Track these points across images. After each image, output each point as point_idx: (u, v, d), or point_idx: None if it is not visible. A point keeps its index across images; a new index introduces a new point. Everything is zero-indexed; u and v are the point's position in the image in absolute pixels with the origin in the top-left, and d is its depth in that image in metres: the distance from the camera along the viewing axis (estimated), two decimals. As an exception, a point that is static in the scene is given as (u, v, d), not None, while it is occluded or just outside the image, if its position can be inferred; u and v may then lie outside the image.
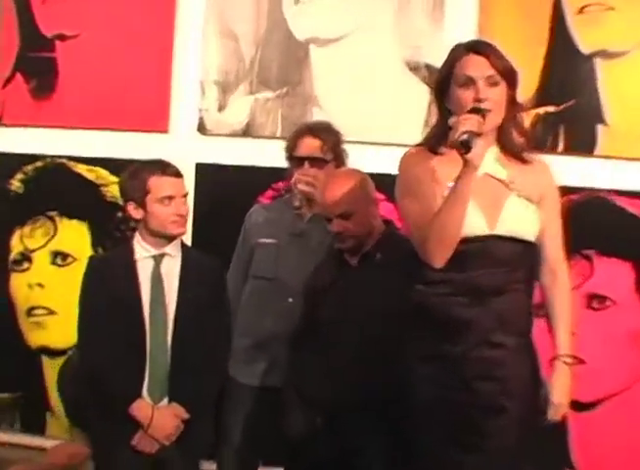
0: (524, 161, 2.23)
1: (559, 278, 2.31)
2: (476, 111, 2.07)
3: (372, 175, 2.87)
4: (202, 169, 3.57)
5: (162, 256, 2.56)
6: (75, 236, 3.85)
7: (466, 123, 2.02)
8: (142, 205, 2.52)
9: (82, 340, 2.57)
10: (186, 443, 2.48)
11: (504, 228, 2.15)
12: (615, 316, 3.22)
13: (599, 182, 3.02)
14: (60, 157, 3.83)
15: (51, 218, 3.86)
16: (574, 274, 3.01)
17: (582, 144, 3.22)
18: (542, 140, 3.33)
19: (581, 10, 3.33)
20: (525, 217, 2.19)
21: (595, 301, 3.22)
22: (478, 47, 2.18)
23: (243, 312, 2.83)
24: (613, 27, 3.33)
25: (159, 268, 2.55)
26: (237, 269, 2.86)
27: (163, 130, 3.69)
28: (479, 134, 2.02)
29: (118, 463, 2.44)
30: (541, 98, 3.31)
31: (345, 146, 2.97)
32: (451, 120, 2.08)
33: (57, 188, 3.84)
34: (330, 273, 2.58)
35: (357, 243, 2.49)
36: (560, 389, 2.21)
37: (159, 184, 2.51)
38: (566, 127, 3.28)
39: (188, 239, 3.26)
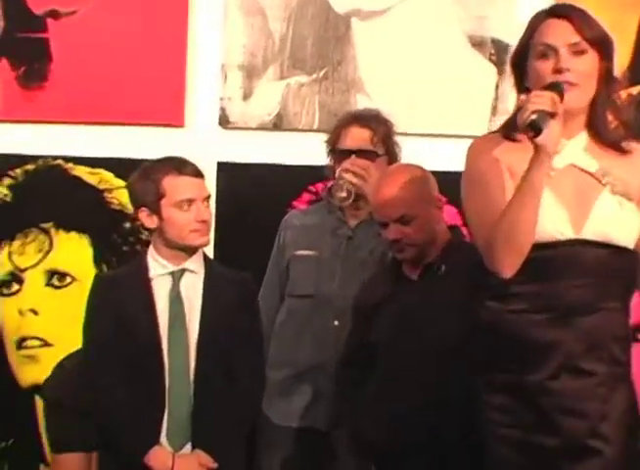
0: (621, 150, 2.18)
1: None
2: (553, 87, 2.04)
3: (430, 173, 2.83)
4: (224, 169, 3.56)
5: (182, 272, 2.58)
6: (75, 252, 3.80)
7: (537, 101, 1.99)
8: (156, 211, 2.54)
9: (88, 375, 2.58)
10: None
11: (594, 231, 2.12)
12: None
13: None
14: (55, 157, 3.77)
15: (45, 231, 3.80)
16: None
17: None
18: (637, 126, 3.12)
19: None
20: (620, 218, 2.14)
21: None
22: (559, 10, 2.15)
23: (278, 338, 2.84)
24: None
25: (178, 287, 2.58)
26: (271, 287, 2.89)
27: (179, 124, 3.68)
28: (553, 114, 1.99)
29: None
30: (635, 75, 3.34)
31: (398, 138, 2.98)
32: (520, 99, 2.08)
33: (52, 195, 3.78)
34: (385, 289, 2.58)
35: (418, 252, 2.49)
36: None
37: (175, 185, 2.54)
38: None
39: (209, 251, 3.29)
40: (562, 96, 2.03)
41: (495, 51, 3.57)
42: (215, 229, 3.40)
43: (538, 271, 2.11)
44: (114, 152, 3.68)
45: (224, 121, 3.65)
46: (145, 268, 2.62)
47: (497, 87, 3.54)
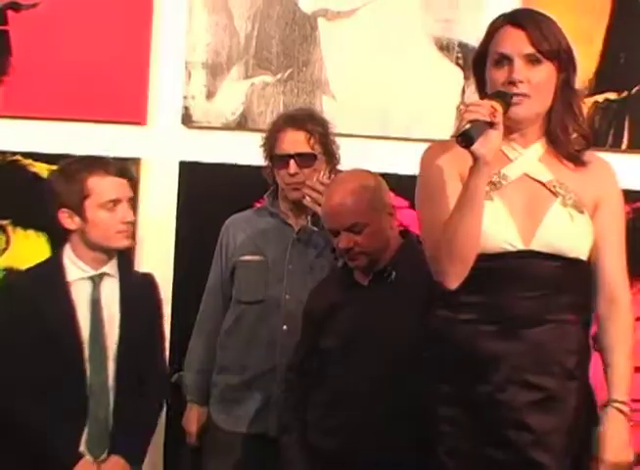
0: (577, 162, 2.21)
1: (619, 306, 2.26)
2: (499, 96, 2.07)
3: (394, 176, 3.04)
4: (186, 169, 3.56)
5: (102, 276, 2.59)
6: (32, 250, 3.71)
7: (473, 110, 2.02)
8: (79, 212, 2.55)
9: (4, 390, 2.52)
10: None
11: (543, 243, 2.14)
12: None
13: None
14: (13, 153, 3.70)
15: (2, 229, 3.74)
16: (637, 303, 3.13)
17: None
18: (602, 135, 3.39)
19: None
20: (570, 230, 2.17)
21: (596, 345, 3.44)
22: (517, 18, 2.17)
23: (227, 344, 2.85)
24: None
25: (98, 293, 2.59)
26: (213, 293, 2.93)
27: (140, 122, 3.66)
28: (491, 124, 2.01)
29: None
30: (601, 83, 3.39)
31: (362, 141, 3.16)
32: (460, 108, 2.15)
33: (10, 191, 3.70)
34: (335, 295, 2.61)
35: (370, 260, 2.52)
36: (613, 442, 2.18)
37: (101, 186, 2.55)
38: (632, 119, 3.38)
39: (170, 256, 3.43)
40: (507, 106, 2.06)
41: (462, 55, 3.57)
42: (176, 229, 3.56)
43: (486, 282, 2.13)
44: (75, 149, 3.54)
45: (187, 120, 3.63)
46: (62, 271, 2.61)
47: (463, 91, 3.52)
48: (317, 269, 2.89)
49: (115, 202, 2.58)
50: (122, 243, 2.62)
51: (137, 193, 3.55)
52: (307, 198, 2.84)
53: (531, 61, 2.13)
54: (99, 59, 3.66)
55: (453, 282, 2.13)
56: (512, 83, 2.10)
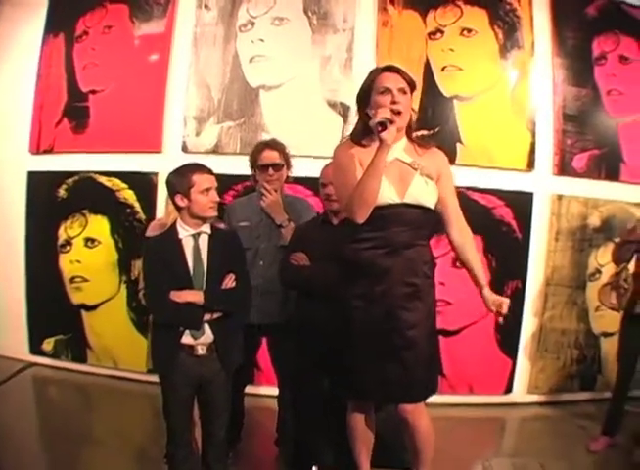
0: (424, 148, 2.63)
1: (466, 234, 2.66)
2: (392, 111, 2.48)
3: (300, 178, 3.84)
4: None
5: (199, 234, 2.95)
6: (100, 226, 4.78)
7: (382, 112, 2.44)
8: (187, 195, 2.89)
9: (150, 297, 2.94)
10: (223, 358, 2.96)
11: (411, 198, 2.52)
12: (470, 273, 3.61)
13: (459, 182, 3.22)
14: (89, 172, 4.80)
15: (84, 215, 4.81)
16: (443, 245, 3.64)
17: (448, 157, 3.26)
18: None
19: (443, 69, 4.57)
20: (426, 190, 2.56)
21: (458, 262, 3.38)
22: (391, 68, 2.64)
23: None
24: (462, 81, 4.59)
25: (197, 243, 2.94)
26: None
27: (159, 151, 4.67)
28: (392, 122, 2.39)
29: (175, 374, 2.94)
30: (418, 125, 4.01)
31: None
32: (372, 112, 2.48)
33: (87, 193, 4.79)
34: (315, 230, 3.16)
35: (338, 206, 2.97)
36: (496, 298, 2.59)
37: (201, 179, 2.90)
38: (436, 146, 3.29)
39: None
40: (398, 115, 2.45)
41: (342, 109, 4.48)
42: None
43: (379, 223, 2.48)
44: (121, 167, 4.66)
45: (185, 149, 4.64)
46: (176, 233, 2.93)
47: (343, 130, 4.46)
48: (277, 232, 3.42)
49: (208, 189, 2.88)
50: (212, 214, 2.91)
51: (156, 192, 4.52)
52: (263, 199, 3.40)
53: (402, 91, 2.53)
54: (136, 116, 4.70)
55: (362, 219, 2.43)
56: (394, 103, 2.48)
